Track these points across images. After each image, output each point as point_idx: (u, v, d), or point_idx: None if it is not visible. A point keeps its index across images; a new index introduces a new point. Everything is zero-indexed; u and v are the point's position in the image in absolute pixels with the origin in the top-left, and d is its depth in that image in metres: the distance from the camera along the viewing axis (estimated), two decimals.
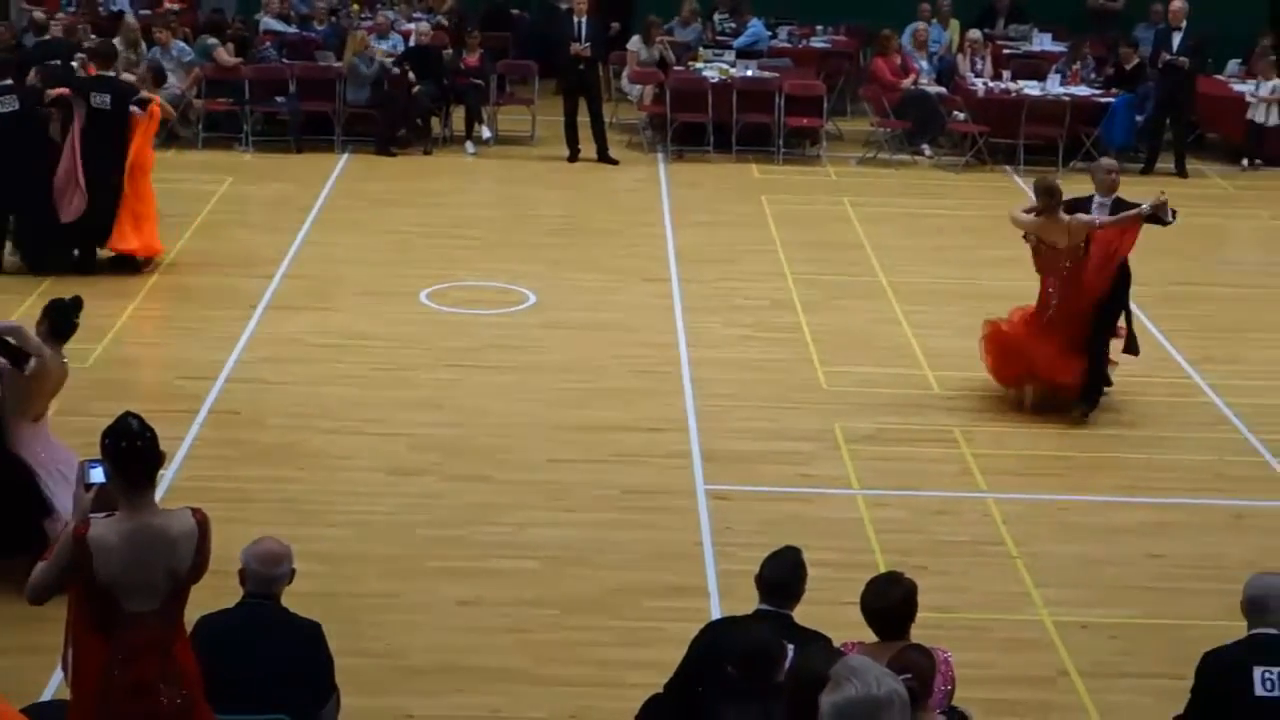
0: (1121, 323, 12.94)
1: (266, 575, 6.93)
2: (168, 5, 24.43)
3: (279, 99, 21.14)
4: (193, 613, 6.67)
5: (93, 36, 20.30)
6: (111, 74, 15.96)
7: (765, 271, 16.42)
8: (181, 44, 21.16)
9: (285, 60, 21.60)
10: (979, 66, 22.40)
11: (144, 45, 20.76)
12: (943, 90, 21.95)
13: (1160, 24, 21.85)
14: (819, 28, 24.64)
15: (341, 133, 20.99)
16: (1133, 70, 21.59)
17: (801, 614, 7.18)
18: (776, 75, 21.61)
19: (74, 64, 17.02)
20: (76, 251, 15.60)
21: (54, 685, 8.37)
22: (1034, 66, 22.60)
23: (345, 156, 20.55)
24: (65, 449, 9.75)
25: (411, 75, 20.96)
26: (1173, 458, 12.33)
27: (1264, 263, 16.37)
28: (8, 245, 15.59)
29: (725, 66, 21.78)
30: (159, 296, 15.22)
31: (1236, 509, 11.54)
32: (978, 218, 18.74)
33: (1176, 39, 20.87)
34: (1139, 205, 12.71)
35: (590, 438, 12.30)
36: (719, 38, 23.59)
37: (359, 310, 14.89)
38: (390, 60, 21.22)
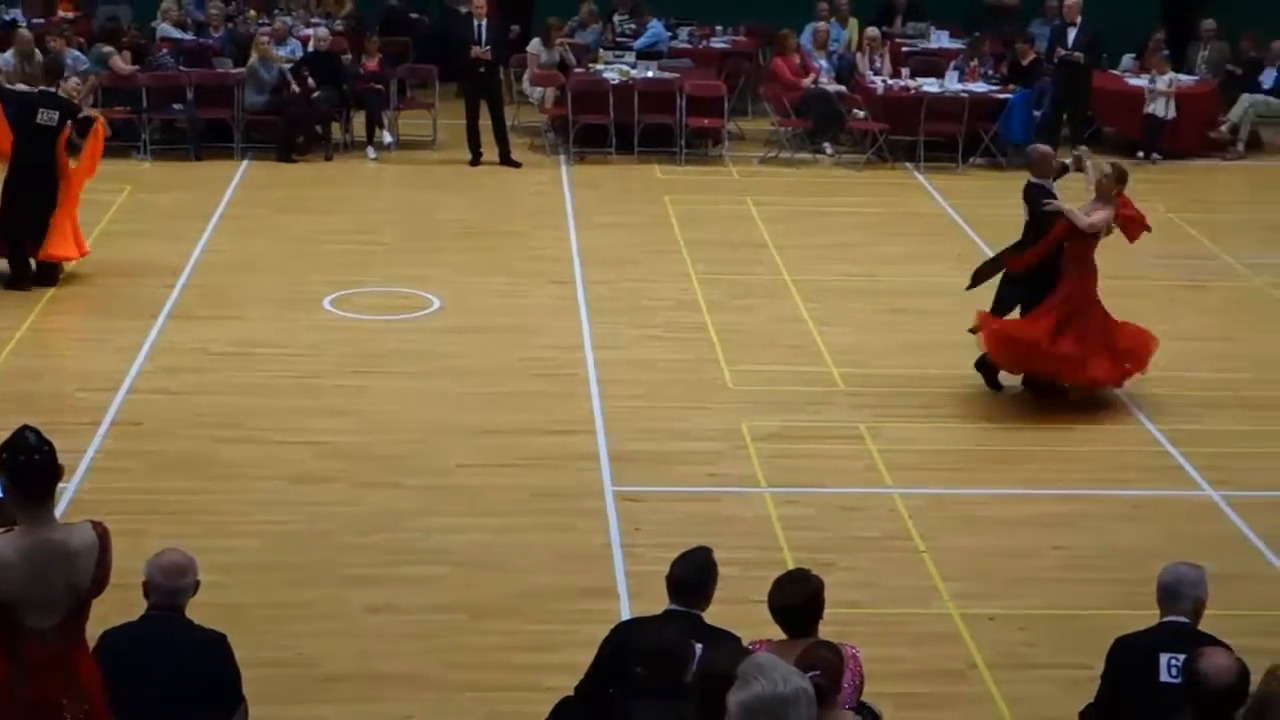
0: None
1: (170, 587, 6.85)
2: (62, 14, 24.13)
3: (177, 106, 20.95)
4: (96, 627, 6.59)
5: None
6: (55, 90, 15.88)
7: (670, 272, 16.45)
8: (77, 52, 20.92)
9: (182, 67, 21.42)
10: (878, 65, 22.53)
11: (39, 55, 20.49)
12: (842, 89, 22.06)
13: (1056, 20, 22.07)
14: (718, 28, 24.66)
15: (241, 139, 20.83)
16: (1029, 66, 21.80)
17: (712, 613, 7.19)
18: (677, 76, 21.64)
19: None
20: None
21: None
22: (932, 64, 22.75)
23: (245, 163, 20.39)
24: None
25: (311, 81, 20.84)
26: (1074, 450, 12.46)
27: (1161, 256, 16.55)
28: None
29: (626, 68, 21.79)
30: (58, 308, 15.05)
31: (1137, 499, 11.68)
32: (879, 215, 18.88)
33: (1072, 35, 21.11)
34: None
35: (498, 441, 12.27)
36: (619, 39, 23.59)
37: (262, 318, 14.78)
38: (289, 66, 21.08)
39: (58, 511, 6.36)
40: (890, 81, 21.95)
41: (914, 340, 14.63)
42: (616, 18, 24.20)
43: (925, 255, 17.28)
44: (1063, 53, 21.02)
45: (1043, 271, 13.01)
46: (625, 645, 6.90)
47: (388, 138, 21.24)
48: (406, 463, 11.87)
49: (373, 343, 14.30)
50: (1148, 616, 7.27)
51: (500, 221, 18.34)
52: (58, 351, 14.31)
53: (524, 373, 13.67)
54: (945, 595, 10.19)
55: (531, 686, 8.69)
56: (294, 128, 20.83)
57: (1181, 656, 6.38)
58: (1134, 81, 22.39)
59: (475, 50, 20.38)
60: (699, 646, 6.40)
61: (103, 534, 6.21)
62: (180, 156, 20.60)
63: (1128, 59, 23.54)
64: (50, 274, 15.51)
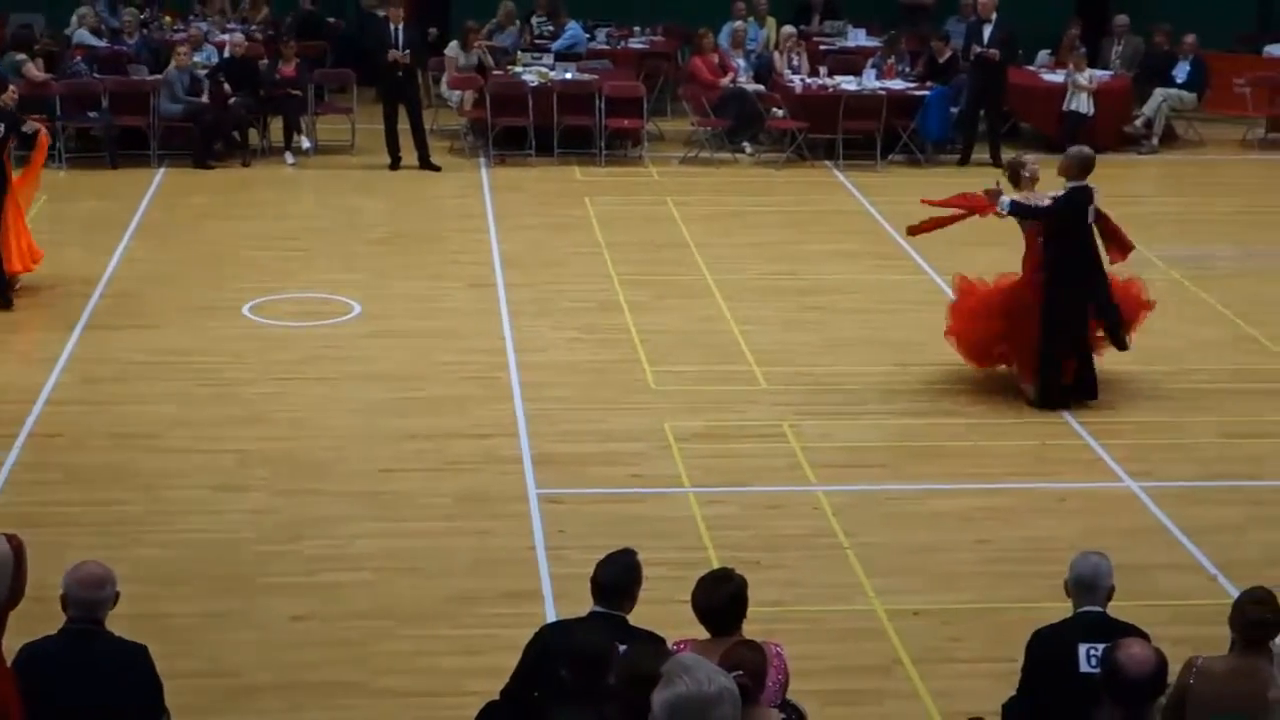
0: None
1: (89, 599, 6.78)
2: None
3: (92, 114, 20.77)
4: (14, 641, 6.53)
5: None
6: None
7: (591, 273, 16.44)
8: None
9: (97, 75, 21.22)
10: (796, 63, 22.60)
11: None
12: (761, 88, 22.12)
13: (971, 17, 22.18)
14: (636, 29, 24.70)
15: (157, 147, 20.65)
16: (946, 63, 21.92)
17: (637, 614, 7.18)
18: (596, 77, 21.64)
19: None
20: None
21: None
22: (849, 62, 22.84)
23: (162, 171, 20.22)
24: None
25: (227, 87, 20.70)
26: (996, 444, 12.53)
27: None
28: None
29: (544, 70, 21.77)
30: None
31: (1059, 492, 11.76)
32: (799, 213, 18.95)
33: (987, 31, 21.22)
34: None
35: (420, 446, 12.24)
36: (537, 41, 23.55)
37: (181, 326, 14.67)
38: (205, 72, 20.93)
39: None
40: (808, 80, 22.03)
41: (835, 337, 14.69)
42: (534, 20, 24.17)
43: (845, 253, 17.35)
44: (978, 50, 21.14)
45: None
46: (549, 648, 6.90)
47: (306, 143, 21.13)
48: (328, 469, 11.81)
49: (293, 349, 14.22)
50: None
51: (420, 225, 18.28)
52: None
53: (445, 376, 13.63)
54: (870, 591, 10.23)
55: (457, 691, 8.67)
56: (211, 134, 20.68)
57: (1100, 646, 6.41)
58: (1049, 77, 22.57)
59: (392, 54, 20.31)
60: (624, 648, 6.39)
61: (18, 547, 6.16)
62: (96, 165, 20.41)
63: (1043, 55, 23.72)
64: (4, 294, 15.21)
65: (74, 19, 23.16)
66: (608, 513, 11.23)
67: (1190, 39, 22.86)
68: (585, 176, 20.56)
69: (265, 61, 21.78)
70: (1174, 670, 6.42)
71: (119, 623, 6.97)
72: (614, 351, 14.27)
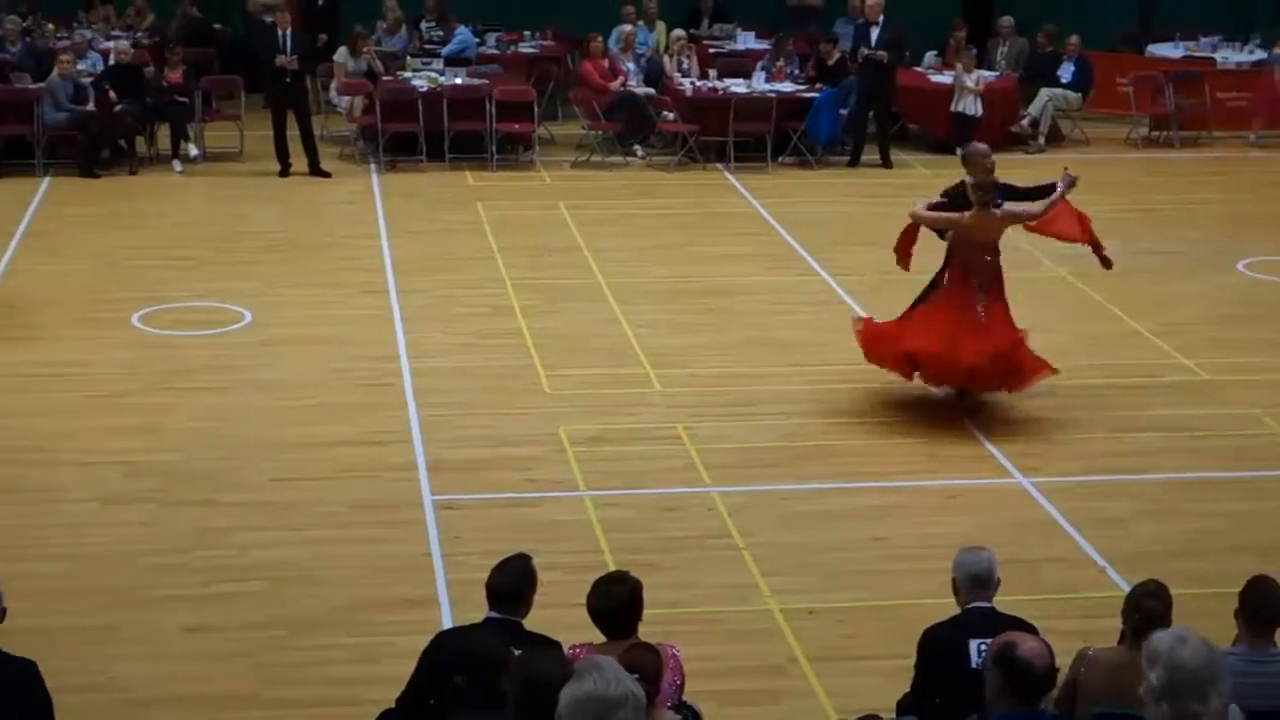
0: None
1: None
2: None
3: None
4: None
5: None
6: None
7: (484, 278, 16.41)
8: None
9: None
10: (686, 67, 22.67)
11: None
12: (651, 91, 22.17)
13: (859, 19, 22.35)
14: (526, 33, 24.65)
15: (42, 156, 20.38)
16: (835, 65, 22.06)
17: (533, 619, 7.18)
18: (486, 82, 21.59)
19: None
20: None
21: None
22: (739, 65, 22.94)
23: (47, 180, 19.96)
24: None
25: (113, 94, 20.47)
26: (889, 442, 12.62)
27: None
28: None
29: (434, 75, 21.69)
30: None
31: (951, 489, 11.86)
32: (691, 216, 19.00)
33: (875, 33, 21.37)
34: (1048, 186, 12.91)
35: (313, 454, 12.16)
36: (427, 46, 23.45)
37: (68, 338, 14.49)
38: (90, 80, 20.68)
39: None
40: (698, 83, 22.12)
41: (729, 339, 14.74)
42: (424, 24, 24.08)
43: (737, 255, 17.42)
44: (866, 52, 21.29)
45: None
46: (444, 655, 6.88)
47: (194, 150, 20.94)
48: (220, 479, 11.70)
49: (183, 359, 14.08)
50: None
51: (311, 232, 18.17)
52: None
53: (338, 384, 13.55)
54: (766, 591, 10.27)
55: (354, 700, 8.62)
56: (97, 142, 20.46)
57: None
58: (937, 78, 22.77)
59: (280, 59, 20.18)
60: (518, 654, 6.38)
61: None
62: None
63: (930, 56, 23.93)
64: None
65: None
66: (503, 517, 11.21)
67: (1074, 39, 23.16)
68: (477, 181, 20.51)
69: (151, 68, 21.56)
70: (1064, 662, 6.50)
71: (7, 638, 6.87)
72: (508, 356, 14.24)
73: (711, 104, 21.41)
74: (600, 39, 22.51)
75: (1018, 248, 17.14)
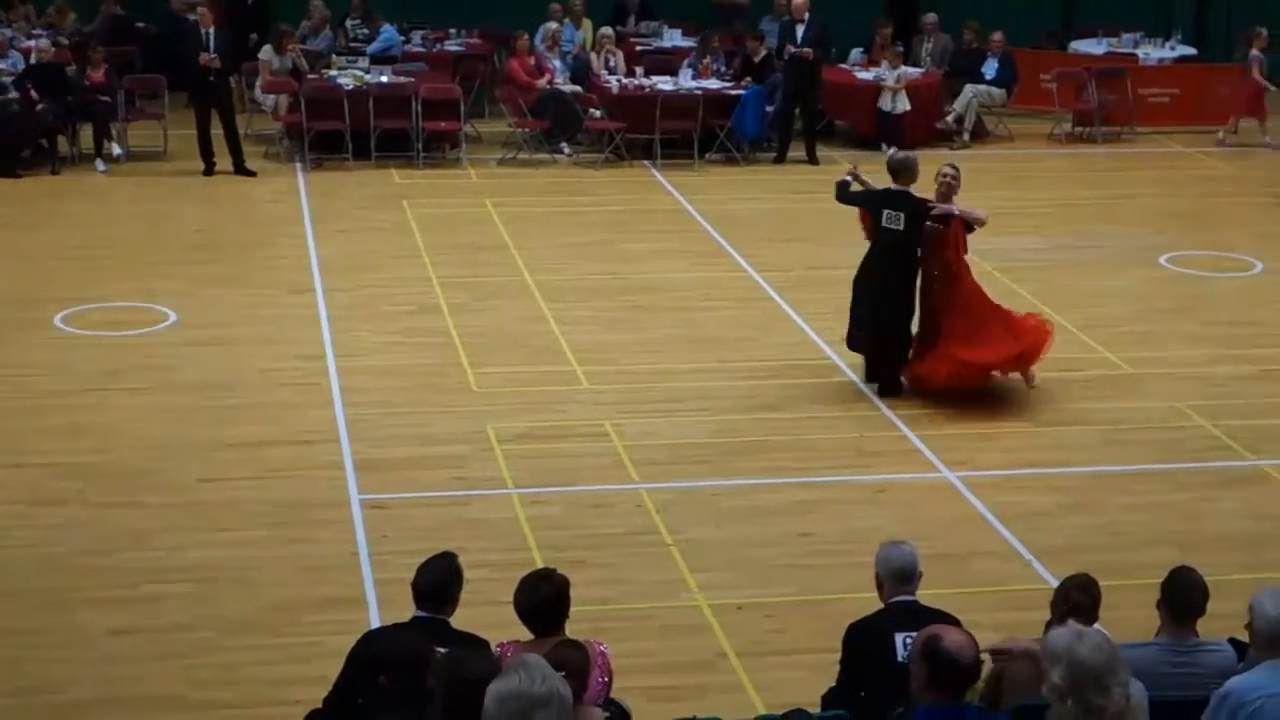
0: None
1: None
2: None
3: None
4: None
5: None
6: None
7: (411, 277, 16.37)
8: None
9: None
10: (612, 64, 22.70)
11: None
12: (578, 89, 22.17)
13: (784, 16, 22.40)
14: (452, 31, 24.59)
15: None
16: (761, 62, 22.12)
17: (461, 616, 7.18)
18: (412, 80, 21.53)
19: None
20: None
21: None
22: (666, 62, 22.97)
23: None
24: None
25: (34, 93, 20.29)
26: (816, 437, 12.68)
27: None
28: None
29: (360, 73, 21.61)
30: None
31: (878, 484, 11.94)
32: (618, 213, 19.03)
33: (800, 31, 21.44)
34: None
35: (240, 455, 12.11)
36: (352, 44, 23.35)
37: None
38: (10, 79, 20.49)
39: None
40: (625, 80, 22.14)
41: (655, 336, 14.78)
42: (349, 22, 23.98)
43: (665, 251, 17.46)
44: (792, 49, 21.36)
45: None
46: (370, 655, 6.88)
47: (117, 149, 20.79)
48: (146, 480, 11.64)
49: (108, 359, 13.98)
50: None
51: (237, 232, 18.08)
52: None
53: (264, 384, 13.50)
54: (694, 587, 10.30)
55: (281, 701, 8.61)
56: (18, 142, 20.27)
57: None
58: (863, 75, 22.87)
59: (204, 58, 20.05)
60: (445, 652, 6.39)
61: None
62: None
63: (856, 53, 24.03)
64: None
65: None
66: (431, 516, 11.20)
67: (998, 36, 23.34)
68: (403, 179, 20.45)
69: (73, 67, 21.38)
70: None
71: None
72: (435, 354, 14.22)
73: (638, 101, 21.44)
74: (526, 36, 22.50)
75: None
